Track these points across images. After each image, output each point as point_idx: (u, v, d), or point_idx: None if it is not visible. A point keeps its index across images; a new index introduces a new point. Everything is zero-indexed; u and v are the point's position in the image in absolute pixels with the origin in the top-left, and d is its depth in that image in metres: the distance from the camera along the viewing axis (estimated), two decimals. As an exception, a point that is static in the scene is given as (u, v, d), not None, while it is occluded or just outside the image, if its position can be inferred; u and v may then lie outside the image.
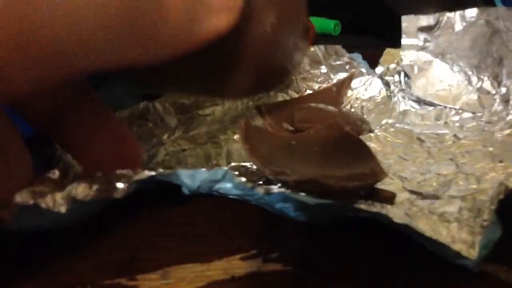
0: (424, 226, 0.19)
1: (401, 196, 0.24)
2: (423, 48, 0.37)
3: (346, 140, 0.27)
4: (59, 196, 0.20)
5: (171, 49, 0.17)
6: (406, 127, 0.33)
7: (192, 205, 0.25)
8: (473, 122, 0.33)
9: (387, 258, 0.21)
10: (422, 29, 0.37)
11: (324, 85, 0.39)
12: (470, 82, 0.35)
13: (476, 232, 0.19)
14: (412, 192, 0.25)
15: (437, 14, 0.36)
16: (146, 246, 0.22)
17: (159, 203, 0.25)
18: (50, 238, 0.22)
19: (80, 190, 0.20)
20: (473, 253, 0.19)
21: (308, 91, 0.39)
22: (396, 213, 0.20)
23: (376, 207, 0.21)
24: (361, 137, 0.31)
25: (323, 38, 0.58)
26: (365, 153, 0.26)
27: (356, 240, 0.22)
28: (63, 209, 0.19)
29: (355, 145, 0.27)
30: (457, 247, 0.19)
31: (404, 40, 0.37)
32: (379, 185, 0.24)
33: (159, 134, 0.33)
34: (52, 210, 0.19)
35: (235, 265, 0.21)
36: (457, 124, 0.33)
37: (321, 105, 0.35)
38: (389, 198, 0.24)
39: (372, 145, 0.31)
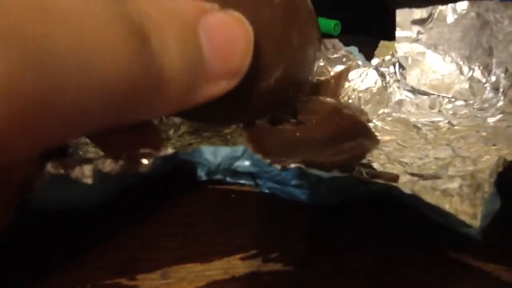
0: (429, 200, 0.18)
1: (403, 178, 0.23)
2: (416, 40, 0.34)
3: (347, 123, 0.26)
4: (87, 168, 0.18)
5: (167, 110, 0.17)
6: (402, 116, 0.31)
7: (192, 205, 0.23)
8: (466, 109, 0.31)
9: (388, 258, 0.19)
10: (416, 22, 0.34)
11: (322, 78, 0.37)
12: (461, 72, 0.33)
13: (477, 205, 0.18)
14: (413, 174, 0.23)
15: (429, 7, 0.34)
16: (146, 246, 0.20)
17: (159, 202, 0.23)
18: (50, 237, 0.21)
19: (107, 164, 0.19)
20: (475, 223, 0.17)
21: None
22: (402, 189, 0.19)
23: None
24: None
25: (323, 38, 0.54)
26: (366, 131, 0.24)
27: (356, 240, 0.20)
28: (90, 181, 0.18)
29: (356, 126, 0.25)
30: (460, 218, 0.18)
31: (398, 33, 0.35)
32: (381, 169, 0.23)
33: (165, 130, 0.31)
34: (80, 181, 0.18)
35: (235, 265, 0.19)
36: (450, 112, 0.31)
37: (321, 97, 0.33)
38: (393, 178, 0.22)
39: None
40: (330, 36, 0.56)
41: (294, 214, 0.22)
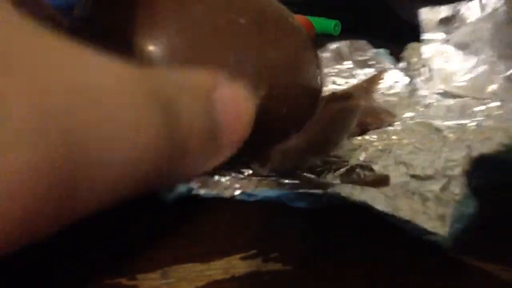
0: (403, 205, 0.18)
1: (400, 179, 0.23)
2: (444, 40, 0.34)
3: (348, 114, 0.26)
4: None
5: (181, 177, 0.19)
6: (428, 119, 0.30)
7: (192, 205, 0.23)
8: (500, 110, 0.29)
9: (388, 258, 0.19)
10: (442, 21, 0.34)
11: (349, 80, 0.37)
12: (495, 71, 0.32)
13: (449, 207, 0.18)
14: (412, 176, 0.23)
15: (454, 4, 0.33)
16: (146, 246, 0.21)
17: (159, 202, 0.23)
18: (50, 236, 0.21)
19: None
20: (444, 229, 0.17)
21: (333, 86, 0.37)
22: (374, 196, 0.19)
23: (346, 188, 0.20)
24: (379, 130, 0.29)
25: (323, 38, 0.54)
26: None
27: (357, 240, 0.20)
28: None
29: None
30: (430, 224, 0.17)
31: (425, 33, 0.34)
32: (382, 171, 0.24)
33: None
34: None
35: (235, 265, 0.20)
36: (485, 113, 0.29)
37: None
38: (382, 181, 0.22)
39: (391, 136, 0.28)
40: (330, 36, 0.57)
41: (294, 213, 0.22)
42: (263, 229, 0.22)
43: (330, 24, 0.57)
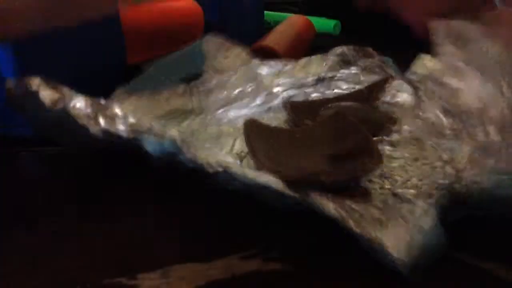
0: (373, 224, 0.19)
1: (381, 197, 0.23)
2: (454, 55, 0.34)
3: (348, 129, 0.27)
4: (54, 95, 0.21)
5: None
6: (425, 136, 0.30)
7: (192, 205, 0.24)
8: (498, 136, 0.29)
9: None
10: (453, 34, 0.34)
11: (353, 86, 0.38)
12: (502, 93, 0.31)
13: (416, 236, 0.19)
14: (393, 194, 0.23)
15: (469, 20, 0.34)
16: (146, 245, 0.22)
17: (160, 202, 0.24)
18: (50, 236, 0.22)
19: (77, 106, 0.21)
20: (405, 256, 0.18)
21: (337, 91, 0.38)
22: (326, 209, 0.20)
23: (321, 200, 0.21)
24: (375, 139, 0.29)
25: (323, 38, 0.57)
26: (367, 142, 0.25)
27: (355, 240, 0.21)
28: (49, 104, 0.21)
29: (357, 134, 0.26)
30: (394, 248, 0.18)
31: (436, 46, 0.34)
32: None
33: (189, 112, 0.34)
34: (42, 101, 0.21)
35: (235, 264, 0.21)
36: (480, 139, 0.29)
37: (349, 103, 0.34)
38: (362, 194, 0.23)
39: (385, 147, 0.29)
40: (330, 36, 0.59)
41: (293, 214, 0.23)
42: (263, 228, 0.23)
43: (330, 24, 0.59)
